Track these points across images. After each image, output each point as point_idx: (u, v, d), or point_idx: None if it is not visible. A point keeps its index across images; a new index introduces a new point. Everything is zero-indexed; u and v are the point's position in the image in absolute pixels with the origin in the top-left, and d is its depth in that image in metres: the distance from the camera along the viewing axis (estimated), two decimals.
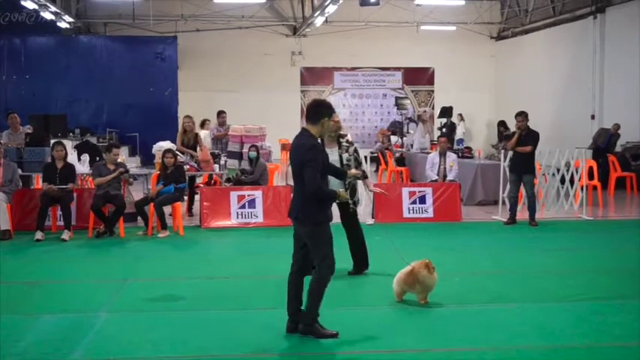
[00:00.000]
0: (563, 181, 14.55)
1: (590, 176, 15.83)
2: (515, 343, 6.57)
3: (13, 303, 8.02)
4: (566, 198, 14.55)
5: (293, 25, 29.11)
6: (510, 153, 13.59)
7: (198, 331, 6.94)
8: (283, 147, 25.65)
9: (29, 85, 24.32)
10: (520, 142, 13.16)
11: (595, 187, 16.12)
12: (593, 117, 22.83)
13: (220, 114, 16.41)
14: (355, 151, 9.24)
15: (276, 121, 23.84)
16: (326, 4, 21.41)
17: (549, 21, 26.02)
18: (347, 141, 9.24)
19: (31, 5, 20.99)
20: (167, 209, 12.70)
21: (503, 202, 14.10)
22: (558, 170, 14.58)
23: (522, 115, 13.26)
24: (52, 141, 13.44)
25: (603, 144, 19.71)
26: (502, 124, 24.90)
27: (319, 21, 24.92)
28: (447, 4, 27.57)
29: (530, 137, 13.17)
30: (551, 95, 25.54)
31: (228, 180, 14.53)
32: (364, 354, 6.35)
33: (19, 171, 12.82)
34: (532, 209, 13.33)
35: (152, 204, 12.35)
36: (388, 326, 7.09)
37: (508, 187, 13.68)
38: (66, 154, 12.59)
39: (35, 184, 14.09)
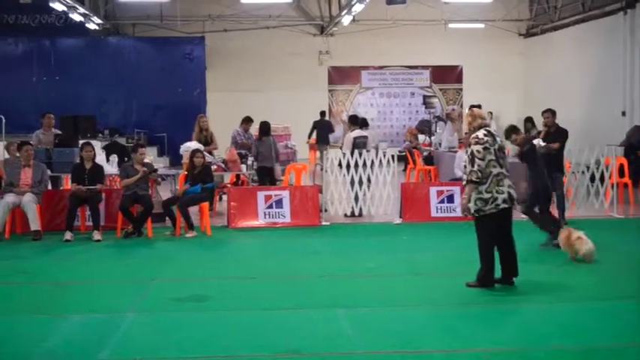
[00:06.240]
0: (593, 179, 14.36)
1: (621, 174, 15.61)
2: (544, 344, 6.48)
3: (41, 303, 8.10)
4: (596, 196, 14.35)
5: (320, 25, 29.07)
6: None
7: (224, 331, 6.94)
8: (311, 146, 25.58)
9: (59, 87, 24.46)
10: (548, 139, 13.02)
11: (626, 185, 15.89)
12: (624, 114, 22.53)
13: (248, 121, 16.13)
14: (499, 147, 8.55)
15: (303, 121, 23.80)
16: (353, 2, 21.34)
17: (579, 17, 25.72)
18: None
19: (60, 7, 21.16)
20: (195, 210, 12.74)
21: None
22: (588, 168, 14.39)
23: (549, 112, 13.11)
24: (81, 142, 13.53)
25: (638, 142, 19.37)
26: (529, 120, 24.57)
27: (346, 20, 24.85)
28: (475, 2, 27.33)
29: (558, 134, 13.02)
30: (581, 92, 25.25)
31: (255, 181, 14.54)
32: (390, 354, 6.30)
33: (49, 172, 12.93)
34: (561, 208, 13.17)
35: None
36: (413, 326, 7.05)
37: None
38: (95, 154, 12.67)
39: (64, 184, 14.21)
